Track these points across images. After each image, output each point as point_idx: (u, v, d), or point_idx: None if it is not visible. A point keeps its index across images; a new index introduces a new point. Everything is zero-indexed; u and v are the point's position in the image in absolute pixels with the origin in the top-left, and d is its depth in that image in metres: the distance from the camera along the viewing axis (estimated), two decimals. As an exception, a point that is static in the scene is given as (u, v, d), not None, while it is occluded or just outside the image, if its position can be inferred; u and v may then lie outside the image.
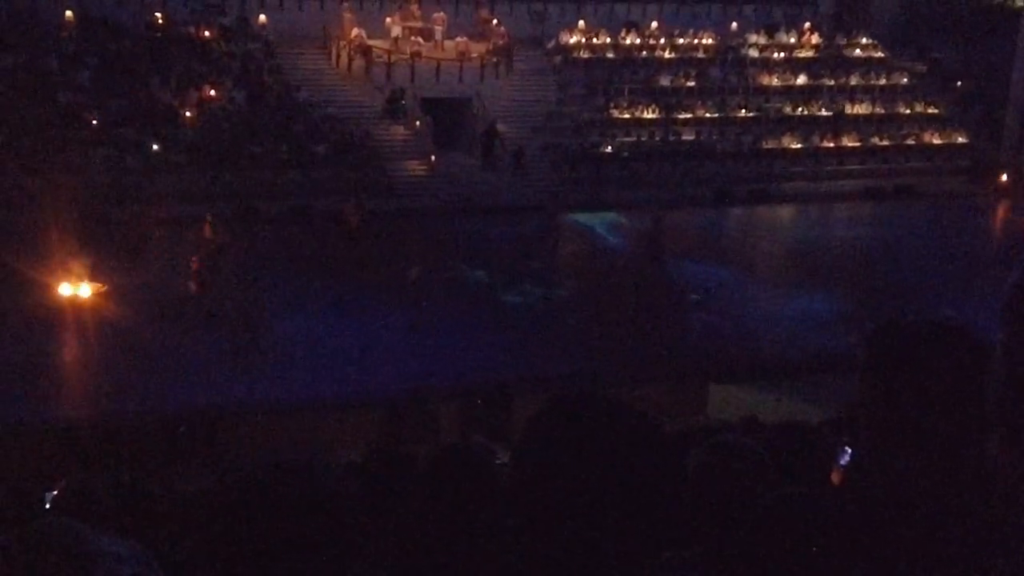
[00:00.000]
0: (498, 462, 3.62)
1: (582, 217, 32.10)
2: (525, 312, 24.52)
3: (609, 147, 36.27)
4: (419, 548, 3.13)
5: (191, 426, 18.31)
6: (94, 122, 31.62)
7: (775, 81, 40.20)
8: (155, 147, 31.22)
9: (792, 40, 42.07)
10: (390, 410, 18.73)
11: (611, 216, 32.26)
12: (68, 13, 34.97)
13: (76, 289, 22.55)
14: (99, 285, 22.96)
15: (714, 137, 37.65)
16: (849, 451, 3.70)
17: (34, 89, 30.88)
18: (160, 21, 36.09)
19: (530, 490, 1.97)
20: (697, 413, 19.43)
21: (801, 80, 40.39)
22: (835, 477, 4.14)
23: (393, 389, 19.65)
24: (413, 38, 37.85)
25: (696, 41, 40.94)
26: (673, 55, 40.23)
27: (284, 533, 2.17)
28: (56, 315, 22.16)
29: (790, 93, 40.01)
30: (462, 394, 19.55)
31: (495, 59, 37.86)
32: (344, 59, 37.15)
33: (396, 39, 37.84)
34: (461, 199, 32.21)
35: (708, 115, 38.28)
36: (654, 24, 41.37)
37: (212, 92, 33.77)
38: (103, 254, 23.68)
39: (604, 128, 36.92)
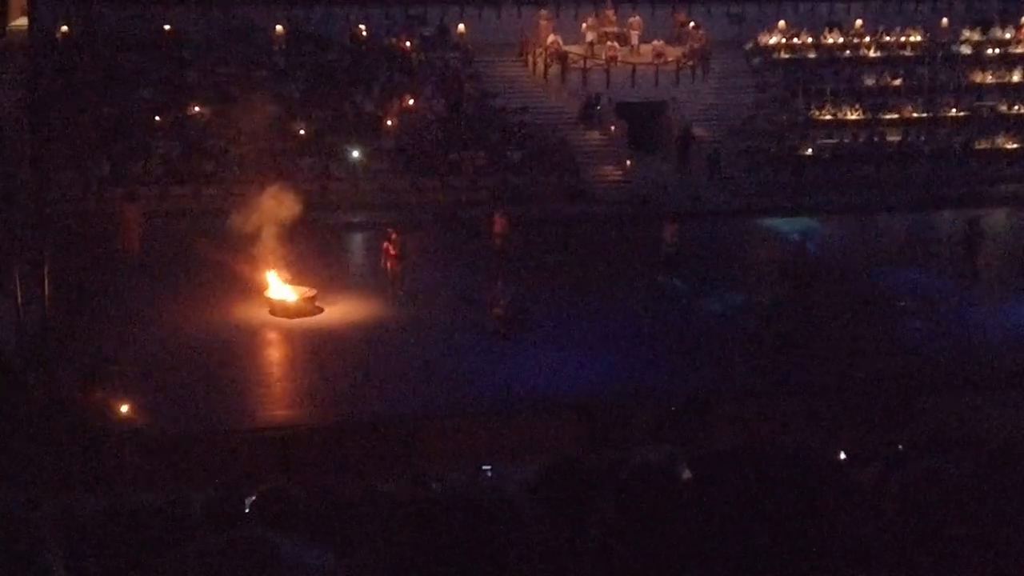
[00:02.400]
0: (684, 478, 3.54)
1: (780, 222, 31.38)
2: (723, 319, 24.12)
3: (810, 149, 35.34)
4: (599, 568, 3.08)
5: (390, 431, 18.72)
6: (301, 132, 32.88)
7: (989, 78, 38.34)
8: (358, 155, 32.21)
9: (1008, 35, 40.02)
10: (584, 414, 18.73)
11: (810, 222, 31.42)
12: (279, 28, 36.50)
13: (283, 294, 23.45)
14: (308, 290, 23.79)
15: (922, 138, 36.22)
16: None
17: (247, 100, 32.30)
18: (364, 34, 37.24)
19: (713, 532, 1.91)
20: (905, 425, 18.70)
21: (1016, 77, 38.38)
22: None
23: (587, 393, 19.65)
24: (609, 43, 37.78)
25: (903, 39, 39.46)
26: (879, 54, 38.91)
27: (472, 548, 2.18)
28: (263, 321, 23.08)
29: (1005, 91, 38.07)
30: (657, 400, 19.41)
31: (691, 62, 37.43)
32: (540, 65, 37.43)
33: (592, 44, 37.88)
34: (656, 203, 31.95)
35: (916, 115, 36.86)
36: (858, 22, 40.08)
37: (411, 101, 34.60)
38: (309, 259, 24.55)
39: (805, 130, 36.01)
